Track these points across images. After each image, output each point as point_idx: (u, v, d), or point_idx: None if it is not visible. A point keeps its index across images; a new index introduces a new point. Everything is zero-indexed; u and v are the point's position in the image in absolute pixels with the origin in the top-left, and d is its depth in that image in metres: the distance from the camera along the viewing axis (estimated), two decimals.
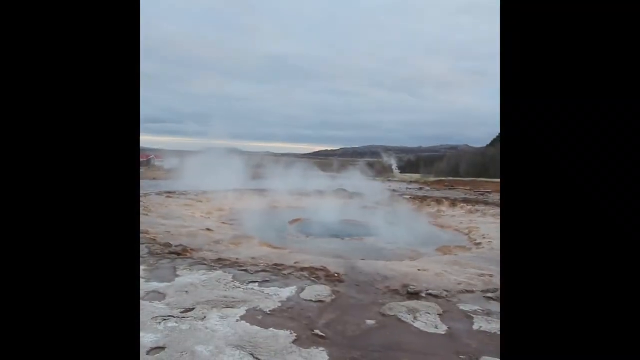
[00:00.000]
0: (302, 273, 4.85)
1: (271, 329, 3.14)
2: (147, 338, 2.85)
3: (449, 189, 22.27)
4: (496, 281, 4.94)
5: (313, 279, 4.66)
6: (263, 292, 4.06)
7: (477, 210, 12.87)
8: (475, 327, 3.42)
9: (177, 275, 4.51)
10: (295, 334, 3.06)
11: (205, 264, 5.06)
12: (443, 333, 3.28)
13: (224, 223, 10.11)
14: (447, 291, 4.39)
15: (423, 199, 15.93)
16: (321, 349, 2.86)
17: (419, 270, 5.38)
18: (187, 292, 3.93)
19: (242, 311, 3.48)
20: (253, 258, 5.77)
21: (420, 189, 21.76)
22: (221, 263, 5.17)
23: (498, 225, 10.07)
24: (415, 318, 3.53)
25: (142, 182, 13.02)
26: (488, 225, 10.43)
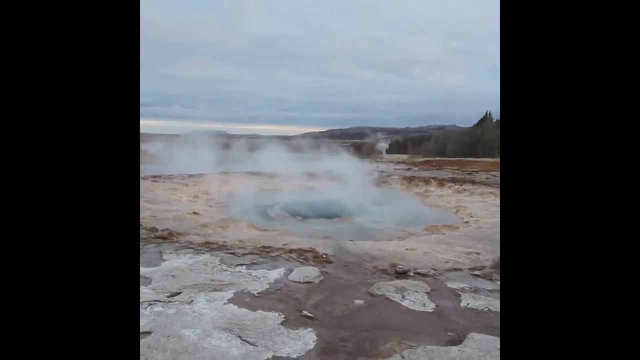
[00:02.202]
0: (290, 255, 4.82)
1: (259, 311, 3.12)
2: None
3: (437, 168, 22.37)
4: (483, 259, 4.99)
5: (301, 260, 4.64)
6: (251, 275, 4.03)
7: (465, 190, 12.96)
8: (463, 304, 3.44)
9: (163, 260, 4.44)
10: (283, 316, 3.04)
11: (192, 248, 4.99)
12: (431, 311, 3.29)
13: (210, 206, 10.01)
14: (434, 269, 4.42)
15: (411, 179, 15.95)
16: (309, 329, 2.84)
17: (407, 249, 5.40)
18: (173, 276, 3.87)
19: (229, 294, 3.44)
20: (240, 241, 5.73)
21: (408, 169, 21.80)
22: (208, 246, 5.11)
23: (485, 204, 10.16)
24: (403, 297, 3.54)
25: None
26: (475, 204, 10.53)
